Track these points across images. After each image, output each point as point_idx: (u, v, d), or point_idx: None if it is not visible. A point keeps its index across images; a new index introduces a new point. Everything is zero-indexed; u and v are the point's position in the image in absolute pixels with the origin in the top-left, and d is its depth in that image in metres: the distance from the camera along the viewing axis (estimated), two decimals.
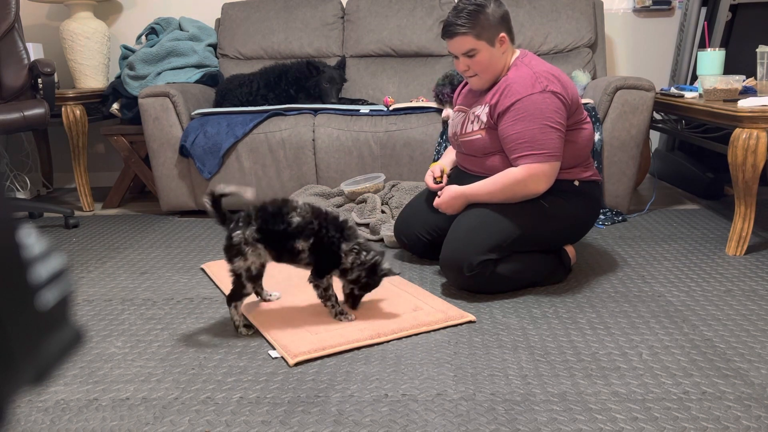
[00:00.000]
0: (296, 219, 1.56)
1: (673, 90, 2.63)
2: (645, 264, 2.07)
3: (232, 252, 1.57)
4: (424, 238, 2.08)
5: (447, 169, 2.10)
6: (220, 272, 2.08)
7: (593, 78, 3.07)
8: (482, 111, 1.86)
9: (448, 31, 1.81)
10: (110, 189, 3.36)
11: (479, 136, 1.86)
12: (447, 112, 2.66)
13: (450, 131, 2.05)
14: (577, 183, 1.85)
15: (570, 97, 1.77)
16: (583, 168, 1.88)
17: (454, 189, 1.87)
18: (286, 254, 1.60)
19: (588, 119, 1.88)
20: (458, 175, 2.02)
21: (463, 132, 1.93)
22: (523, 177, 1.75)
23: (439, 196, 1.94)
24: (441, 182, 2.06)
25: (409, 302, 1.76)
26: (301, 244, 1.57)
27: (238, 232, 1.56)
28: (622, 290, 1.85)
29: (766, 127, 1.98)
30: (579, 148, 1.84)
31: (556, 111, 1.73)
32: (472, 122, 1.89)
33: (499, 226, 1.78)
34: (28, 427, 1.24)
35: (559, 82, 1.76)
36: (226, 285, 1.95)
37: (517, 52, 1.88)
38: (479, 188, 1.83)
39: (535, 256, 1.86)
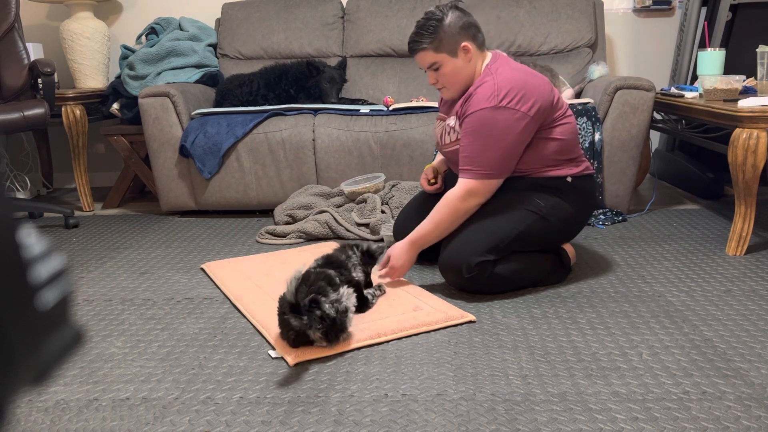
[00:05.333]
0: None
1: (673, 90, 2.63)
2: (645, 264, 2.07)
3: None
4: None
5: (441, 170, 2.10)
6: (220, 272, 2.08)
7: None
8: (455, 122, 1.86)
9: (410, 47, 1.84)
10: (110, 189, 3.36)
11: (457, 146, 1.86)
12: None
13: (435, 140, 2.06)
14: (569, 179, 1.85)
15: (538, 106, 1.73)
16: (575, 164, 1.87)
17: (399, 246, 1.87)
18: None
19: (570, 113, 1.86)
20: (454, 177, 2.02)
21: (444, 143, 1.94)
22: (460, 194, 1.77)
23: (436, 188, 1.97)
24: (435, 183, 2.07)
25: (409, 302, 1.76)
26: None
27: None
28: (622, 290, 1.84)
29: (766, 127, 1.98)
30: (565, 143, 1.83)
31: (505, 128, 1.71)
32: (449, 133, 1.90)
33: (496, 226, 1.78)
34: (28, 427, 1.24)
35: (522, 92, 1.71)
36: (226, 285, 1.96)
37: (489, 56, 1.85)
38: (423, 227, 1.83)
39: (534, 256, 1.86)
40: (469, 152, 1.76)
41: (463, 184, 1.78)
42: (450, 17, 1.78)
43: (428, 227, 1.82)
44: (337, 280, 1.54)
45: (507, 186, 1.81)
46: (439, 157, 2.18)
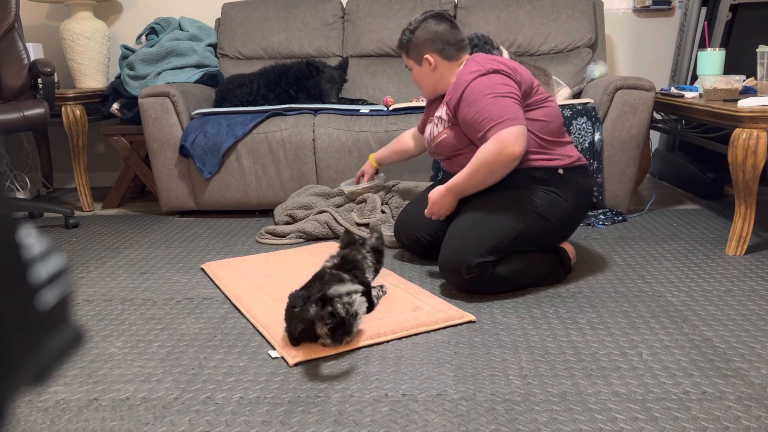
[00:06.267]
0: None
1: (673, 90, 2.63)
2: (645, 264, 2.07)
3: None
4: (424, 239, 2.08)
5: (383, 162, 2.42)
6: (220, 272, 2.08)
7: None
8: (442, 111, 1.93)
9: None
10: (110, 189, 3.36)
11: (445, 135, 1.92)
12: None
13: (425, 142, 2.10)
14: (561, 171, 1.85)
15: (519, 75, 1.82)
16: (564, 153, 1.87)
17: (438, 189, 1.88)
18: None
19: (551, 99, 1.91)
20: (449, 179, 2.04)
21: (432, 136, 1.98)
22: (494, 147, 1.74)
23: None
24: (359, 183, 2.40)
25: (409, 302, 1.76)
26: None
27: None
28: (622, 290, 1.85)
29: (766, 127, 1.98)
30: (549, 124, 1.86)
31: (502, 84, 1.78)
32: (437, 125, 1.96)
33: (495, 227, 1.78)
34: (28, 427, 1.24)
35: (504, 66, 1.81)
36: (226, 285, 1.96)
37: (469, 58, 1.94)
38: (459, 176, 1.84)
39: (534, 257, 1.86)
40: (484, 114, 1.75)
41: (493, 138, 1.74)
42: (421, 29, 1.91)
43: (463, 176, 1.82)
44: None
45: (501, 181, 1.80)
46: (386, 149, 2.40)
